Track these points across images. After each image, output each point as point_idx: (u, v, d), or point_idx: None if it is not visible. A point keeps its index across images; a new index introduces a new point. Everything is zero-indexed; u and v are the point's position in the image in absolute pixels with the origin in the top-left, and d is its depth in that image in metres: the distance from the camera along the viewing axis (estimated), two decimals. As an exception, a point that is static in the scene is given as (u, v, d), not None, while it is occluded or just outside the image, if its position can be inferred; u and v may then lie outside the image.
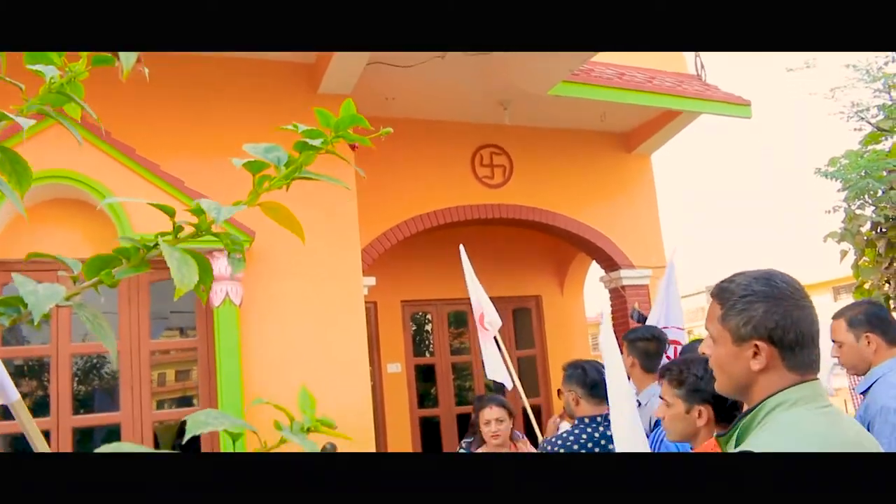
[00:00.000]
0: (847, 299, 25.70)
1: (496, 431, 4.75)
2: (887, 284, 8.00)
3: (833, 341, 3.71)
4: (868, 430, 3.35)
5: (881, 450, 1.91)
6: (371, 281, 7.51)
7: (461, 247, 5.86)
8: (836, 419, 1.88)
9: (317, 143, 0.86)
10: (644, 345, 4.79)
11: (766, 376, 1.89)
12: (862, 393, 3.60)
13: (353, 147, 6.22)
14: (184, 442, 0.67)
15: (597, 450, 3.88)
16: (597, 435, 3.94)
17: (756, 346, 1.88)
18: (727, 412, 2.67)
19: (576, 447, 3.89)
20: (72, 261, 0.79)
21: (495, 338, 5.70)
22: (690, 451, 2.86)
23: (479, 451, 4.82)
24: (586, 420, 3.98)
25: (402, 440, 9.53)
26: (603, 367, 4.13)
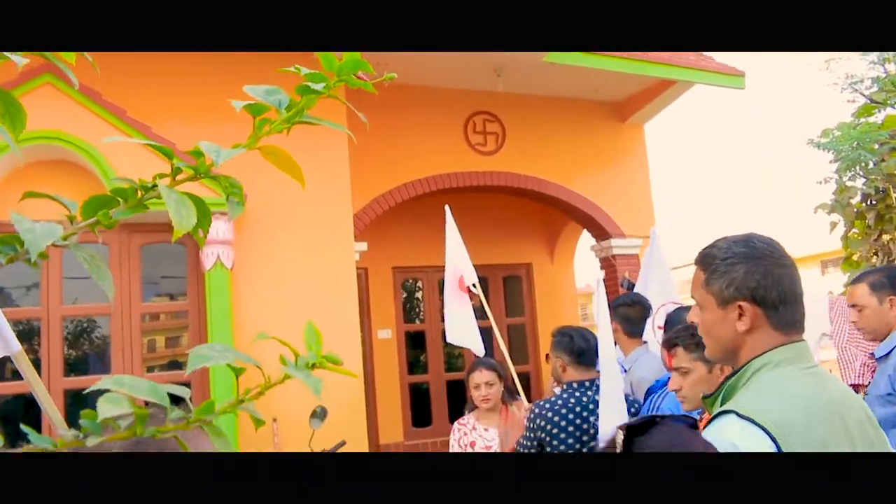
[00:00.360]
0: (834, 273, 25.84)
1: (486, 395, 4.62)
2: (875, 256, 8.04)
3: (852, 306, 3.71)
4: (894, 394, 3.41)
5: (869, 413, 1.93)
6: (362, 246, 7.50)
7: (446, 207, 5.70)
8: (822, 380, 1.90)
9: (319, 87, 0.85)
10: (625, 310, 4.98)
11: (753, 337, 1.91)
12: (880, 358, 3.60)
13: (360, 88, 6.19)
14: (187, 372, 0.67)
15: (584, 413, 3.93)
16: (585, 399, 3.98)
17: (740, 306, 1.90)
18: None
19: (564, 411, 3.94)
20: (69, 201, 0.78)
21: (482, 302, 5.55)
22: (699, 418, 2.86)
23: (472, 416, 4.75)
24: (574, 385, 4.03)
25: (392, 406, 9.58)
26: (590, 335, 4.18)
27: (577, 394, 4.01)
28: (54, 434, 0.76)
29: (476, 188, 8.52)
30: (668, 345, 3.07)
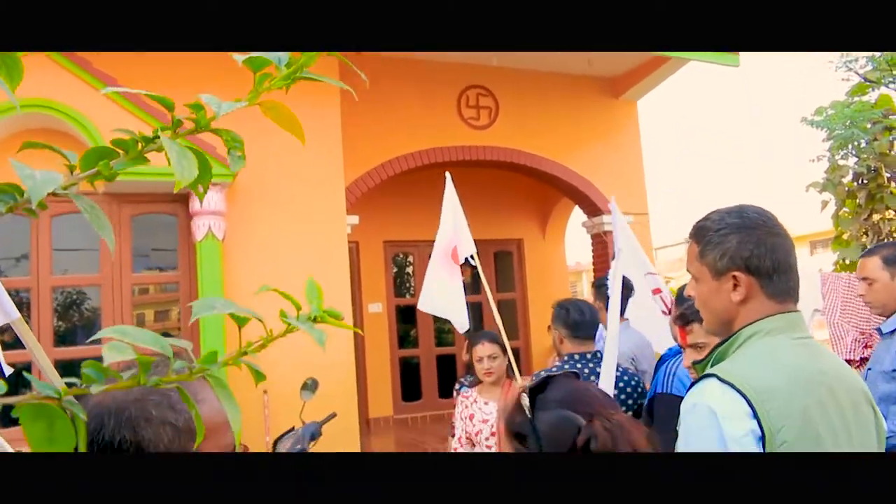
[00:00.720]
0: (823, 253, 25.94)
1: (489, 368, 4.55)
2: (865, 236, 8.06)
3: (863, 279, 3.66)
4: None
5: (865, 389, 1.94)
6: (354, 220, 7.48)
7: (447, 174, 5.54)
8: (813, 351, 1.90)
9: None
10: (607, 290, 5.13)
11: (747, 307, 1.91)
12: (887, 333, 3.57)
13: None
14: (191, 320, 0.66)
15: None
16: (586, 371, 4.01)
17: (734, 277, 1.91)
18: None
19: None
20: (68, 152, 0.77)
21: (479, 275, 5.35)
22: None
23: (475, 390, 4.69)
24: (576, 356, 4.07)
25: (382, 380, 9.60)
26: (587, 309, 4.21)
27: (578, 366, 4.04)
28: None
29: (468, 163, 8.50)
30: (683, 321, 3.03)
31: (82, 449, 0.61)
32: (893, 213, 7.86)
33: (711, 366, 1.93)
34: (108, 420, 1.15)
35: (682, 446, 1.81)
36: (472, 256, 5.12)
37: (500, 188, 10.38)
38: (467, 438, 4.57)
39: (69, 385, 0.61)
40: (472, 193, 9.59)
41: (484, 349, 4.59)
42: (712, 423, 1.73)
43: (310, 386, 5.51)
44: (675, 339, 3.65)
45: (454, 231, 5.34)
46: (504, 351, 4.62)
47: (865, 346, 4.75)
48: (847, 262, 7.93)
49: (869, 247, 7.88)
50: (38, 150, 1.04)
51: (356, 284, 9.28)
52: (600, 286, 5.35)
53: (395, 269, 10.42)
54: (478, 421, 4.54)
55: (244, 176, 5.93)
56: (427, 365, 10.07)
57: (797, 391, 1.76)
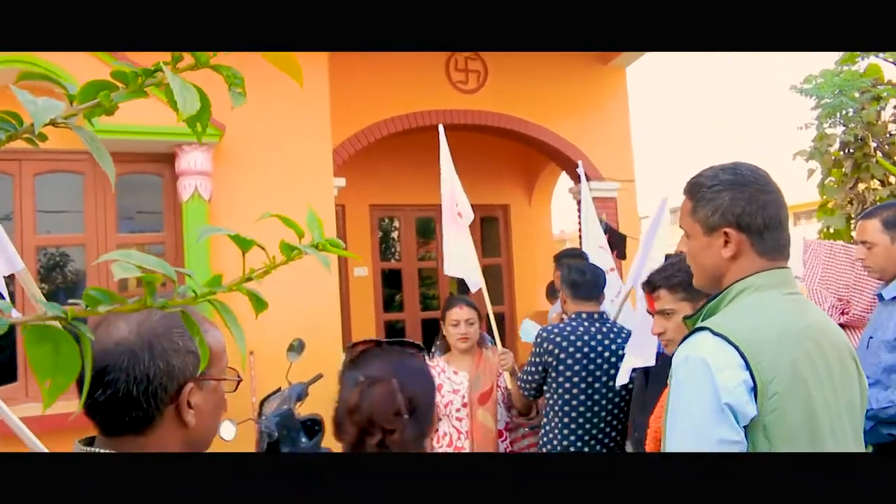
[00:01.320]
0: (807, 225, 26.07)
1: (465, 334, 4.30)
2: (850, 205, 8.11)
3: (862, 242, 3.55)
4: None
5: (850, 346, 1.97)
6: (341, 182, 7.46)
7: (440, 127, 5.46)
8: (802, 306, 1.93)
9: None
10: (569, 261, 5.61)
11: (738, 263, 1.94)
12: (890, 300, 3.46)
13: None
14: (199, 240, 0.66)
15: (592, 343, 4.02)
16: (593, 329, 4.07)
17: (725, 233, 1.93)
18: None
19: (572, 337, 4.04)
20: (69, 83, 0.76)
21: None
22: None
23: (443, 359, 4.45)
24: (583, 315, 4.12)
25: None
26: (588, 269, 4.25)
27: (586, 324, 4.09)
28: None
29: (456, 126, 8.46)
30: (650, 287, 3.02)
31: (88, 374, 0.62)
32: (879, 182, 7.91)
33: (702, 320, 1.96)
34: (142, 354, 1.25)
35: (675, 398, 1.84)
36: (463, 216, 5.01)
37: (487, 153, 10.36)
38: None
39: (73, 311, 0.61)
40: (460, 158, 9.52)
41: (461, 313, 4.35)
42: (705, 373, 1.76)
43: (296, 347, 5.53)
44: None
45: (452, 189, 5.23)
46: (480, 317, 4.41)
47: (842, 313, 4.77)
48: (831, 230, 7.99)
49: (855, 215, 7.94)
50: (10, 104, 1.03)
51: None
52: (560, 258, 5.83)
53: (380, 234, 10.41)
54: (447, 392, 4.29)
55: (230, 136, 5.88)
56: (412, 329, 10.11)
57: (787, 344, 1.78)
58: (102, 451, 1.28)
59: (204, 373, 1.33)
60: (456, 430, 4.22)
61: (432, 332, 10.23)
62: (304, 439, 5.39)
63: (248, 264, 0.74)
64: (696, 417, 1.77)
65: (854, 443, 1.90)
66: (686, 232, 2.07)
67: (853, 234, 7.87)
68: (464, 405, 4.22)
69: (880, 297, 3.57)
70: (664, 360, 3.32)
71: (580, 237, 9.42)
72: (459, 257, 5.08)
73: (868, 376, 3.23)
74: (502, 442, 4.27)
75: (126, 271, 0.59)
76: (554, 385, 4.08)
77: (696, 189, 2.02)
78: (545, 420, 4.18)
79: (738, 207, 1.92)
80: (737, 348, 1.74)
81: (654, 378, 3.62)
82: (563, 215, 23.79)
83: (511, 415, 4.35)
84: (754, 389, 1.73)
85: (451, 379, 4.33)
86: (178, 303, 0.65)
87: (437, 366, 4.39)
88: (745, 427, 1.74)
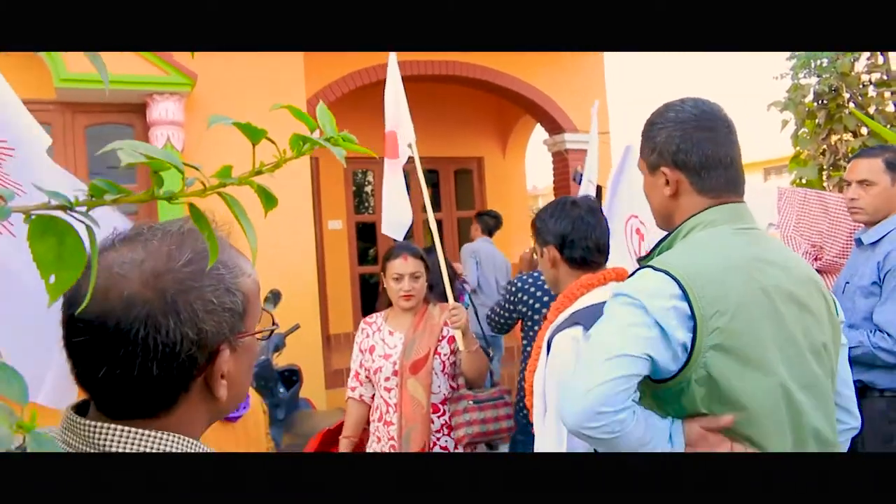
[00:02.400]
0: (777, 180, 26.26)
1: (409, 291, 3.58)
2: (822, 156, 8.17)
3: (861, 182, 3.40)
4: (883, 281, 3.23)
5: (817, 278, 1.93)
6: (314, 134, 7.37)
7: (391, 55, 4.84)
8: (756, 239, 1.86)
9: None
10: (487, 219, 6.53)
11: (679, 202, 1.90)
12: (871, 244, 3.39)
13: None
14: (209, 127, 0.64)
15: None
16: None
17: (663, 172, 1.90)
18: (581, 254, 2.59)
19: (546, 286, 4.01)
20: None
21: (420, 179, 4.55)
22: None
23: (380, 316, 3.80)
24: None
25: (342, 297, 9.62)
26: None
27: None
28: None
29: (430, 77, 8.38)
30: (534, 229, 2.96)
31: (94, 265, 0.59)
32: (851, 134, 7.96)
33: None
34: (164, 319, 0.96)
35: (593, 330, 1.80)
36: (409, 145, 4.34)
37: (461, 105, 10.29)
38: (366, 377, 3.68)
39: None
40: (434, 110, 9.51)
41: (406, 265, 3.61)
42: (635, 303, 1.72)
43: (271, 298, 5.50)
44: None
45: (396, 116, 4.46)
46: (428, 270, 3.73)
47: (815, 259, 4.80)
48: (804, 181, 8.05)
49: (827, 166, 8.00)
50: None
51: (316, 200, 9.21)
52: (480, 215, 6.34)
53: (354, 187, 10.36)
54: (378, 356, 3.62)
55: (202, 86, 5.78)
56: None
57: (733, 278, 1.74)
58: (101, 427, 0.98)
59: (238, 328, 1.05)
60: (385, 402, 3.57)
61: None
62: (281, 390, 5.39)
63: (219, 215, 0.71)
64: (610, 334, 1.74)
65: (825, 379, 1.86)
66: (640, 170, 2.05)
67: (825, 184, 7.93)
68: (394, 373, 3.54)
69: (858, 241, 3.53)
70: None
71: (555, 193, 9.43)
72: (395, 206, 4.35)
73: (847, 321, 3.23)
74: (439, 417, 3.57)
75: (132, 157, 0.56)
76: (531, 334, 4.09)
77: (645, 127, 1.99)
78: (522, 376, 4.20)
79: (672, 146, 1.87)
80: (676, 280, 1.71)
81: None
82: (535, 171, 23.74)
83: (457, 383, 3.67)
84: (693, 320, 1.69)
85: (384, 340, 3.66)
86: (186, 194, 0.62)
87: (374, 324, 3.75)
88: (679, 357, 1.72)
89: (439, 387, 3.58)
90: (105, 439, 0.96)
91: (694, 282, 1.70)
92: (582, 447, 2.26)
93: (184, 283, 0.97)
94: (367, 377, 3.66)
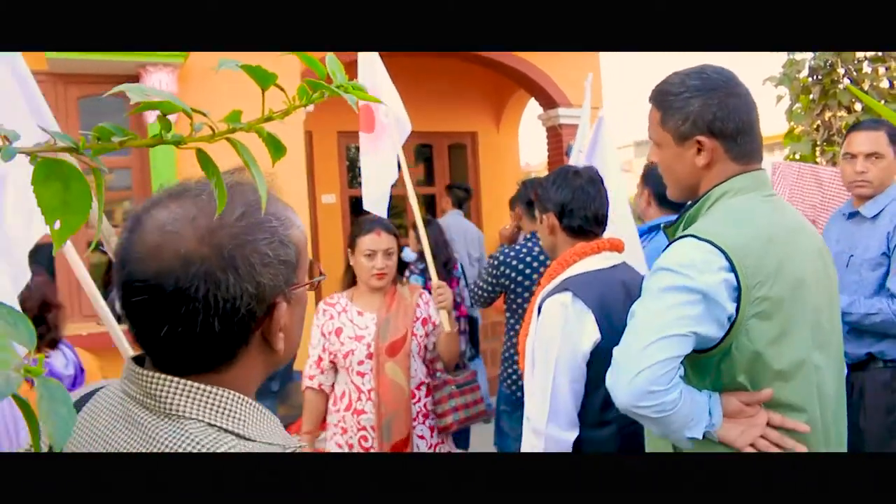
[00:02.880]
0: (768, 157, 26.23)
1: (382, 269, 3.33)
2: (816, 132, 8.15)
3: (870, 154, 3.39)
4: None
5: (824, 245, 1.97)
6: (309, 108, 7.33)
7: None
8: (781, 207, 1.93)
9: None
10: (458, 191, 7.02)
11: (712, 171, 1.91)
12: (872, 217, 3.40)
13: None
14: (218, 69, 0.62)
15: (548, 262, 4.00)
16: (537, 249, 4.06)
17: (699, 141, 1.89)
18: (580, 224, 2.65)
19: (528, 259, 4.06)
20: None
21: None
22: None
23: (345, 295, 3.52)
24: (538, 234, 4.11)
25: (336, 270, 9.57)
26: None
27: (539, 245, 4.08)
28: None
29: (422, 51, 8.33)
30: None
31: (100, 211, 0.58)
32: (845, 110, 7.95)
33: (683, 229, 1.94)
34: (223, 275, 0.97)
35: (639, 306, 1.81)
36: (394, 119, 4.05)
37: (455, 80, 10.23)
38: (330, 362, 3.38)
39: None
40: (427, 85, 9.45)
41: (379, 241, 3.35)
42: (681, 278, 1.74)
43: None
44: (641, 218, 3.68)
45: (372, 88, 4.00)
46: (399, 246, 3.52)
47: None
48: (797, 156, 8.04)
49: (821, 141, 7.99)
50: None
51: (310, 174, 9.18)
52: (450, 188, 6.92)
53: (347, 162, 10.31)
54: (348, 338, 3.34)
55: (196, 56, 5.73)
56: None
57: (770, 247, 1.78)
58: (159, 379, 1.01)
59: (292, 280, 1.07)
60: (356, 388, 3.30)
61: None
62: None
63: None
64: (658, 313, 1.76)
65: (838, 343, 1.93)
66: (656, 142, 2.02)
67: (818, 159, 7.93)
68: (369, 356, 3.28)
69: (852, 215, 3.54)
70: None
71: (548, 168, 9.41)
72: (377, 184, 4.03)
73: (853, 294, 3.28)
74: (415, 404, 3.36)
75: (140, 96, 0.55)
76: (513, 307, 4.13)
77: (664, 97, 1.96)
78: (506, 347, 4.23)
79: (709, 114, 1.87)
80: (723, 252, 1.73)
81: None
82: (527, 148, 23.67)
83: (436, 367, 3.51)
84: (738, 290, 1.72)
85: (353, 322, 3.39)
86: (194, 139, 0.61)
87: (337, 304, 3.48)
88: (724, 328, 1.74)
89: (416, 370, 3.38)
90: (164, 391, 0.99)
91: (739, 252, 1.73)
92: (566, 397, 2.31)
93: (239, 237, 0.98)
94: (331, 363, 3.37)
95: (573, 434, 2.39)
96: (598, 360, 2.32)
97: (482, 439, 5.48)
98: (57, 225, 0.56)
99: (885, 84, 8.07)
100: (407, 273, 5.25)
